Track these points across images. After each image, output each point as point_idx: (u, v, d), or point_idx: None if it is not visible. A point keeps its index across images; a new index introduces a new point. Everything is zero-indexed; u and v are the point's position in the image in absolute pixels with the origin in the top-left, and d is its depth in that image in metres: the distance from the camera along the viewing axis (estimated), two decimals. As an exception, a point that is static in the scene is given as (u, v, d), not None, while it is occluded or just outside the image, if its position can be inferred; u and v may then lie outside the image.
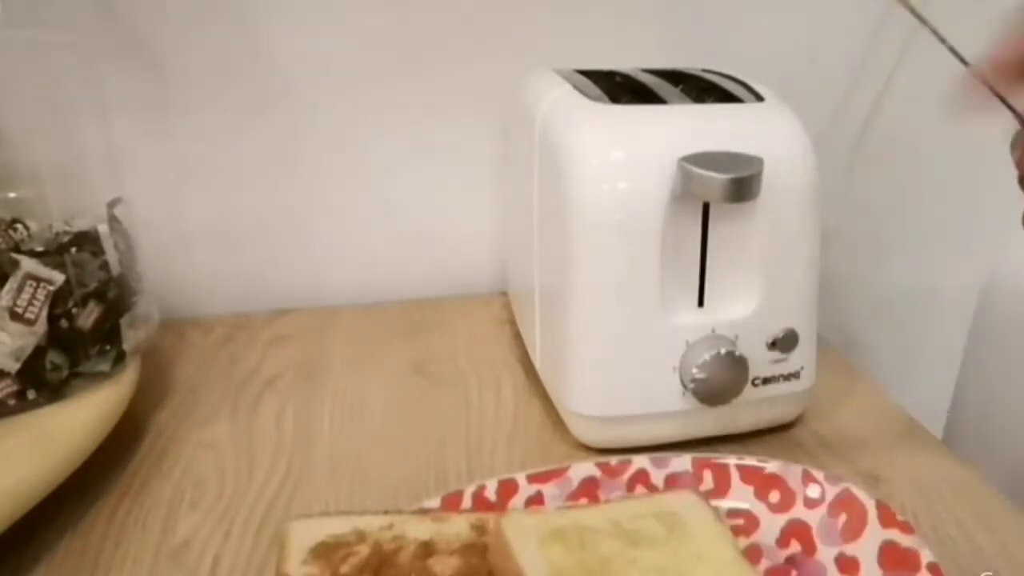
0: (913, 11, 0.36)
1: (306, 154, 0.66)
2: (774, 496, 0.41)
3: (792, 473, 0.41)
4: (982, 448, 0.70)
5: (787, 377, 0.48)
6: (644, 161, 0.43)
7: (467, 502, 0.40)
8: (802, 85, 0.54)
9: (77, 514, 0.44)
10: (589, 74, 0.52)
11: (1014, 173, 0.37)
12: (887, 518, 0.37)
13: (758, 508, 0.41)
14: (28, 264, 0.45)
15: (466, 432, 0.51)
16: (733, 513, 0.40)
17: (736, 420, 0.48)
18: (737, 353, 0.45)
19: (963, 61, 0.35)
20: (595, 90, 0.48)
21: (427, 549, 0.35)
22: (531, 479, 0.41)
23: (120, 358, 0.48)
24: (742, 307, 0.46)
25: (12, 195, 0.48)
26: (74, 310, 0.46)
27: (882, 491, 0.45)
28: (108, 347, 0.48)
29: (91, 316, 0.47)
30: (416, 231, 0.70)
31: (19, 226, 0.47)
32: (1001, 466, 0.56)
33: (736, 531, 0.39)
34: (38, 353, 0.44)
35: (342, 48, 0.63)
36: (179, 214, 0.65)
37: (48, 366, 0.45)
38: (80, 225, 0.48)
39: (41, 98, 0.49)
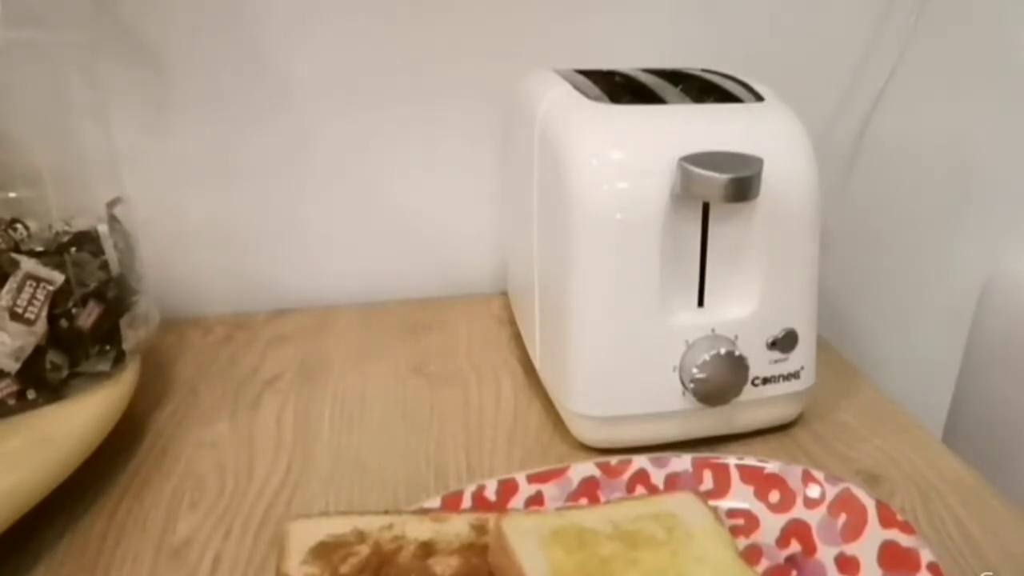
0: None
1: (305, 153, 0.66)
2: (774, 496, 0.41)
3: (792, 473, 0.41)
4: (982, 448, 0.70)
5: (787, 377, 0.48)
6: (644, 161, 0.43)
7: (467, 502, 0.40)
8: (802, 85, 0.54)
9: (77, 514, 0.44)
10: (589, 74, 0.52)
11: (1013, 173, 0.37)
12: (887, 518, 0.37)
13: (758, 508, 0.41)
14: (28, 264, 0.45)
15: (466, 432, 0.51)
16: (733, 513, 0.41)
17: (736, 420, 0.48)
18: (737, 353, 0.45)
19: None
20: (595, 90, 0.48)
21: (427, 549, 0.35)
22: (531, 479, 0.41)
23: (120, 358, 0.48)
24: (742, 307, 0.46)
25: (12, 195, 0.48)
26: (74, 310, 0.46)
27: (882, 491, 0.45)
28: (108, 347, 0.48)
29: (91, 316, 0.47)
30: (416, 231, 0.70)
31: (19, 226, 0.47)
32: (1001, 466, 0.56)
33: (736, 531, 0.39)
34: (38, 353, 0.44)
35: (342, 48, 0.63)
36: (179, 214, 0.65)
37: (48, 366, 0.45)
38: (80, 225, 0.48)
39: (41, 98, 0.49)
